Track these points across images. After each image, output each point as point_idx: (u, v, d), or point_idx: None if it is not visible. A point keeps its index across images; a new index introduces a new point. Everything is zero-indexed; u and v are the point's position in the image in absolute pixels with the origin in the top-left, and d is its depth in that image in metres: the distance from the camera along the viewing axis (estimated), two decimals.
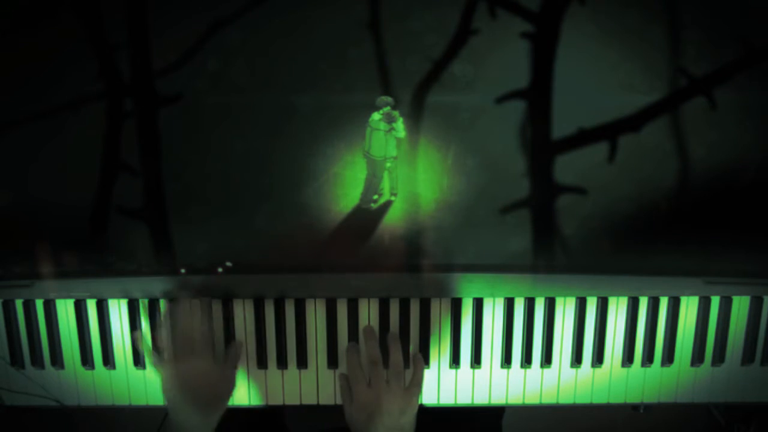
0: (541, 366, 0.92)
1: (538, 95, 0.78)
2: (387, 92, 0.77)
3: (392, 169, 0.80)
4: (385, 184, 0.81)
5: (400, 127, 0.78)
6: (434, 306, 0.90)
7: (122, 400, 0.93)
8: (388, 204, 0.82)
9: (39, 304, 0.90)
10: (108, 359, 0.91)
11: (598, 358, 0.91)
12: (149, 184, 0.80)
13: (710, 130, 0.80)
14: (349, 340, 0.90)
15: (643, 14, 0.77)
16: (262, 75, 0.78)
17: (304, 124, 0.78)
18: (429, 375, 0.92)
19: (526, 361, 0.91)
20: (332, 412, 0.92)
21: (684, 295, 0.90)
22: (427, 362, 0.91)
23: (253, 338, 0.91)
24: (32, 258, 0.82)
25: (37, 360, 0.91)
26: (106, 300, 0.89)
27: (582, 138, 0.79)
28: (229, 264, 0.83)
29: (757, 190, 0.82)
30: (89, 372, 0.92)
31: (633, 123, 0.78)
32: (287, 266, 0.85)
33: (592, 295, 0.90)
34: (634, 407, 0.96)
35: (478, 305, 0.90)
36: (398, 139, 0.79)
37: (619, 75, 0.78)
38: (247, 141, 0.79)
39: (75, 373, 0.92)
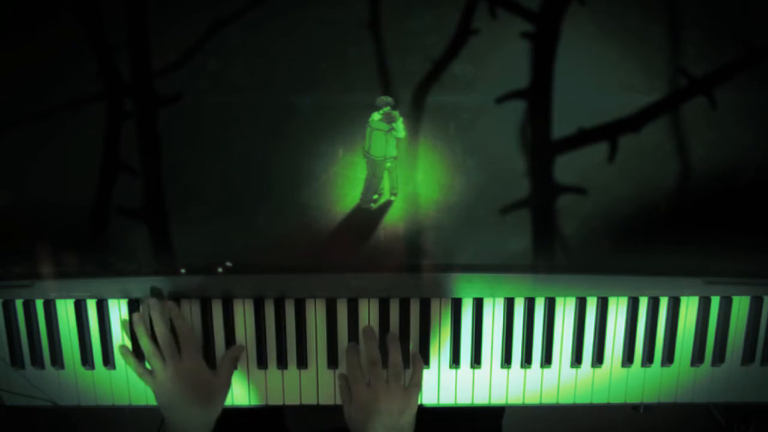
0: (541, 366, 0.92)
1: (538, 95, 0.78)
2: (387, 92, 0.77)
3: (392, 169, 0.80)
4: (385, 184, 0.81)
5: (400, 127, 0.78)
6: (434, 306, 0.90)
7: (122, 400, 0.93)
8: (388, 204, 0.82)
9: (39, 304, 0.90)
10: (108, 359, 0.91)
11: (598, 358, 0.91)
12: (149, 184, 0.80)
13: (710, 130, 0.80)
14: (349, 340, 0.90)
15: (643, 14, 0.77)
16: (262, 75, 0.78)
17: (304, 124, 0.78)
18: (429, 375, 0.92)
19: (526, 361, 0.91)
20: (332, 412, 0.92)
21: (684, 295, 0.90)
22: (427, 362, 0.91)
23: (253, 338, 0.91)
24: (32, 258, 0.82)
25: (37, 360, 0.91)
26: (106, 300, 0.89)
27: (582, 138, 0.79)
28: (229, 264, 0.83)
29: (757, 190, 0.82)
30: (89, 372, 0.92)
31: (633, 123, 0.78)
32: (287, 266, 0.84)
33: (592, 295, 0.90)
34: (634, 407, 0.96)
35: (478, 305, 0.90)
36: (398, 139, 0.79)
37: (619, 75, 0.78)
38: (247, 141, 0.79)
39: (75, 373, 0.92)
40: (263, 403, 0.93)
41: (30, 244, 0.82)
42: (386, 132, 0.78)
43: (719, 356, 0.91)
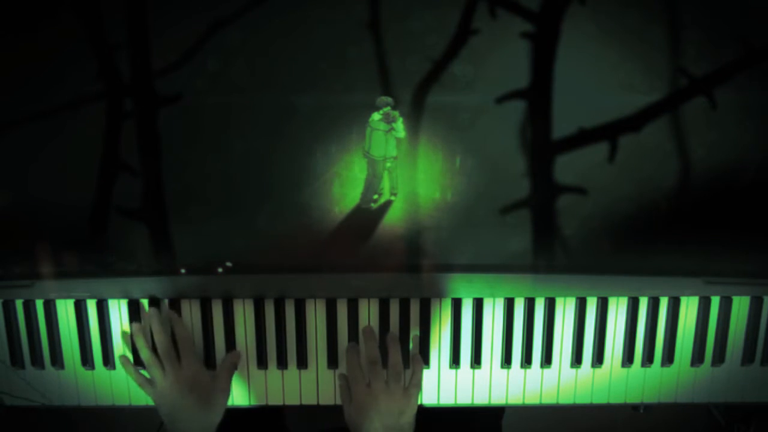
0: (541, 366, 0.92)
1: (538, 95, 0.78)
2: (387, 92, 0.77)
3: (392, 169, 0.80)
4: (385, 184, 0.81)
5: (400, 127, 0.78)
6: (434, 306, 0.90)
7: (122, 400, 0.93)
8: (388, 204, 0.82)
9: (39, 304, 0.90)
10: (108, 359, 0.91)
11: (598, 358, 0.91)
12: (149, 184, 0.80)
13: (710, 130, 0.80)
14: (349, 340, 0.90)
15: (643, 14, 0.77)
16: (262, 75, 0.78)
17: (304, 124, 0.78)
18: (429, 375, 0.92)
19: (526, 361, 0.91)
20: (332, 412, 0.92)
21: (684, 295, 0.90)
22: (426, 362, 0.91)
23: (253, 338, 0.91)
24: (32, 258, 0.82)
25: (37, 360, 0.91)
26: (106, 300, 0.89)
27: (582, 138, 0.79)
28: (229, 264, 0.83)
29: (757, 190, 0.82)
30: (89, 372, 0.92)
31: (633, 123, 0.78)
32: (287, 266, 0.84)
33: (592, 295, 0.90)
34: (634, 407, 0.96)
35: (478, 305, 0.90)
36: (398, 139, 0.79)
37: (619, 75, 0.78)
38: (247, 141, 0.79)
39: (75, 373, 0.92)
40: (263, 403, 0.93)
41: (30, 244, 0.82)
42: (386, 132, 0.78)
43: (719, 356, 0.91)
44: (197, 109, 0.78)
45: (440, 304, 0.90)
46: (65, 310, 0.90)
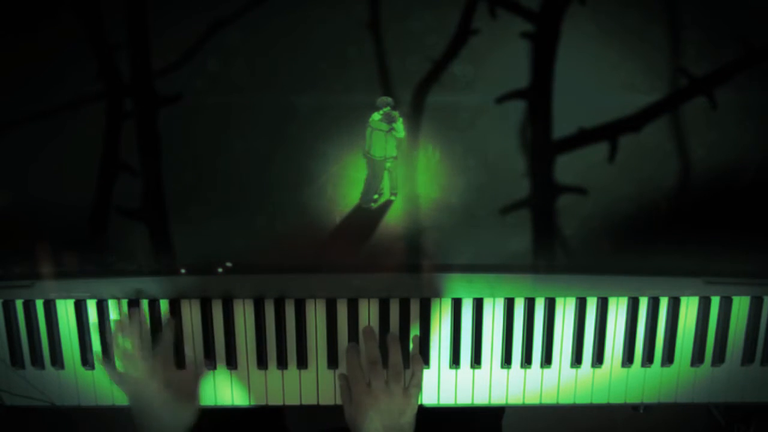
0: (541, 366, 0.92)
1: (538, 95, 0.78)
2: (387, 92, 0.77)
3: (392, 169, 0.80)
4: (385, 184, 0.81)
5: (400, 127, 0.78)
6: (434, 306, 0.90)
7: (122, 401, 0.93)
8: (388, 204, 0.82)
9: (39, 304, 0.90)
10: (108, 359, 0.91)
11: (598, 358, 0.91)
12: (149, 184, 0.80)
13: (710, 130, 0.80)
14: (349, 340, 0.90)
15: (643, 14, 0.77)
16: (262, 75, 0.78)
17: (304, 124, 0.78)
18: (429, 375, 0.92)
19: (526, 361, 0.91)
20: (332, 412, 0.92)
21: (684, 295, 0.90)
22: (427, 362, 0.91)
23: (253, 338, 0.91)
24: (32, 258, 0.82)
25: (37, 360, 0.91)
26: (106, 300, 0.89)
27: (582, 138, 0.79)
28: (229, 264, 0.83)
29: (757, 190, 0.82)
30: (89, 372, 0.92)
31: (633, 123, 0.78)
32: (287, 266, 0.84)
33: (592, 295, 0.90)
34: (634, 407, 0.96)
35: (478, 305, 0.90)
36: (398, 139, 0.79)
37: (620, 75, 0.78)
38: (247, 141, 0.79)
39: (75, 373, 0.92)
40: (263, 403, 0.93)
41: (30, 244, 0.82)
42: (386, 132, 0.78)
43: (719, 356, 0.91)
44: (197, 109, 0.78)
45: (440, 304, 0.90)
46: (65, 310, 0.90)
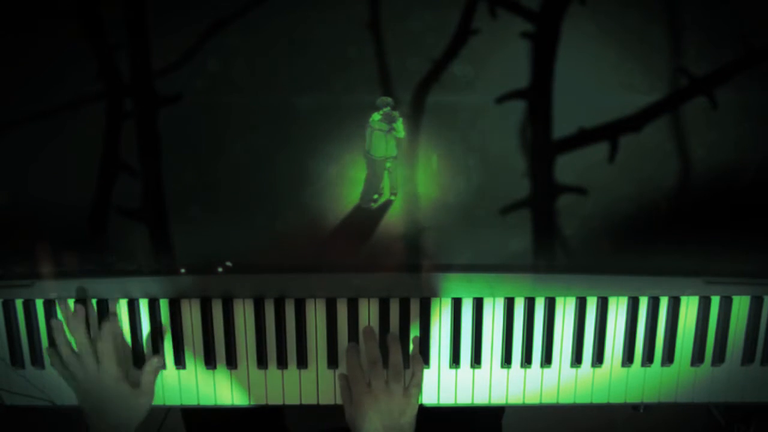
0: (541, 366, 0.92)
1: (538, 95, 0.78)
2: (387, 92, 0.77)
3: (392, 168, 0.80)
4: (385, 184, 0.81)
5: (400, 127, 0.78)
6: (434, 306, 0.90)
7: None
8: (388, 204, 0.82)
9: (39, 304, 0.90)
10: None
11: (598, 358, 0.91)
12: (149, 184, 0.80)
13: (710, 130, 0.80)
14: (349, 340, 0.90)
15: (643, 14, 0.77)
16: (263, 75, 0.78)
17: (305, 125, 0.78)
18: (429, 375, 0.92)
19: (526, 361, 0.91)
20: (332, 412, 0.92)
21: (684, 295, 0.90)
22: (427, 362, 0.91)
23: (253, 338, 0.91)
24: (32, 258, 0.82)
25: (37, 360, 0.91)
26: (106, 300, 0.89)
27: (582, 138, 0.79)
28: (229, 264, 0.83)
29: (757, 190, 0.82)
30: None
31: (633, 123, 0.78)
32: (287, 266, 0.84)
33: (592, 295, 0.90)
34: (634, 407, 0.96)
35: (478, 305, 0.90)
36: (398, 139, 0.79)
37: (620, 75, 0.78)
38: (247, 141, 0.79)
39: None
40: (263, 402, 0.93)
41: (30, 244, 0.82)
42: (386, 132, 0.78)
43: (719, 356, 0.91)
44: (197, 109, 0.78)
45: (440, 304, 0.90)
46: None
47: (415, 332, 0.91)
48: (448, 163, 0.80)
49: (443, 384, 0.93)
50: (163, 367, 0.91)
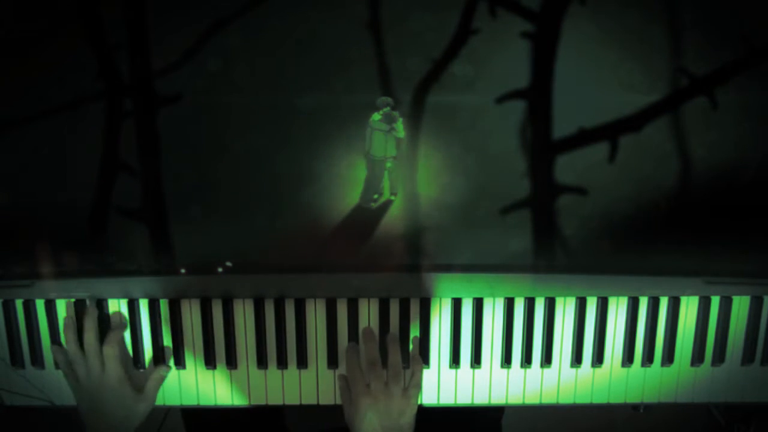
0: (541, 366, 0.92)
1: (538, 95, 0.78)
2: (387, 92, 0.77)
3: (392, 168, 0.80)
4: (385, 184, 0.81)
5: (400, 127, 0.78)
6: (434, 306, 0.90)
7: None
8: (388, 204, 0.82)
9: (39, 304, 0.90)
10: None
11: (598, 358, 0.91)
12: (149, 184, 0.80)
13: (710, 130, 0.79)
14: (349, 340, 0.90)
15: (643, 14, 0.77)
16: (263, 75, 0.78)
17: (305, 125, 0.78)
18: (429, 375, 0.92)
19: (526, 361, 0.91)
20: (332, 412, 0.92)
21: (684, 295, 0.90)
22: (426, 362, 0.91)
23: (253, 338, 0.91)
24: (32, 258, 0.82)
25: (37, 360, 0.91)
26: (106, 300, 0.89)
27: (582, 138, 0.79)
28: (229, 264, 0.83)
29: (757, 190, 0.82)
30: None
31: (633, 123, 0.78)
32: (287, 266, 0.84)
33: (592, 295, 0.90)
34: (634, 407, 0.96)
35: (478, 305, 0.90)
36: (398, 139, 0.79)
37: (619, 75, 0.78)
38: (247, 141, 0.79)
39: None
40: (263, 403, 0.93)
41: (30, 244, 0.82)
42: (386, 132, 0.78)
43: (719, 356, 0.91)
44: (197, 109, 0.78)
45: (440, 304, 0.90)
46: (65, 310, 0.90)
47: (415, 332, 0.91)
48: (448, 163, 0.80)
49: (443, 384, 0.93)
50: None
